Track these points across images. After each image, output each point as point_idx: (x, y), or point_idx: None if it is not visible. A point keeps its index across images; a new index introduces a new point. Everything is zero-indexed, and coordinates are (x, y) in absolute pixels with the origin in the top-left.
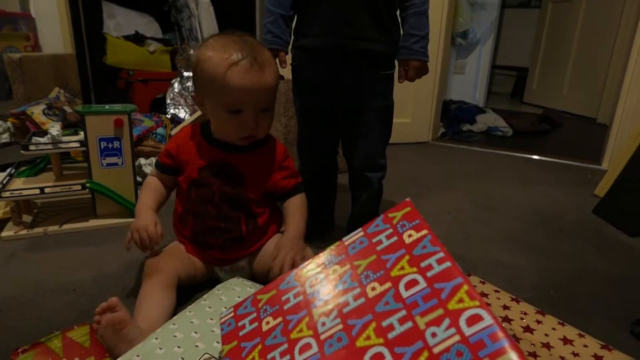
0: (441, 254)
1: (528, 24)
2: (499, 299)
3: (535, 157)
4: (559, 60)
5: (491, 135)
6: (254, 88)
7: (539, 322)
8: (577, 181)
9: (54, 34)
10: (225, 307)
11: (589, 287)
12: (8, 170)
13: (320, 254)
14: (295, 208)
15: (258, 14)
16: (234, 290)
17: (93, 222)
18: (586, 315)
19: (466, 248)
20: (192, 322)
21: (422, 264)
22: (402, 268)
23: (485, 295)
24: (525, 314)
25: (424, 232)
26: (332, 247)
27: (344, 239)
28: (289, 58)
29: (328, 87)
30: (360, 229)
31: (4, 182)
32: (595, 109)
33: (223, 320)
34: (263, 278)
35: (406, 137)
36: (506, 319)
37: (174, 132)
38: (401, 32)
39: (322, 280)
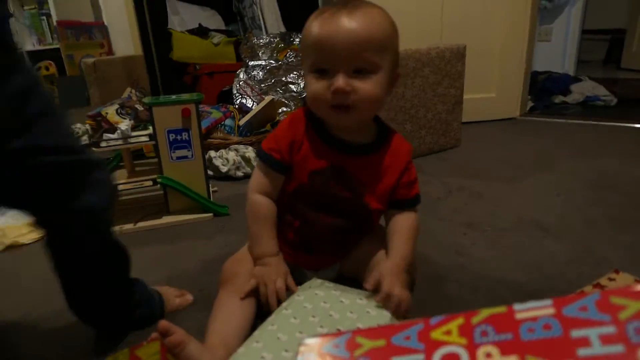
0: None
1: None
2: None
3: None
4: None
5: (589, 106)
6: (335, 39)
7: None
8: None
9: (125, 38)
10: (313, 317)
11: None
12: None
13: (468, 314)
14: (410, 229)
15: (320, 1)
16: (317, 296)
17: (166, 219)
18: None
19: (591, 237)
20: (278, 337)
21: None
22: None
23: None
24: None
25: None
26: (491, 310)
27: (515, 306)
28: None
29: None
30: (549, 301)
31: None
32: None
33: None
34: (349, 280)
35: (491, 114)
36: None
37: (241, 122)
38: None
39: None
